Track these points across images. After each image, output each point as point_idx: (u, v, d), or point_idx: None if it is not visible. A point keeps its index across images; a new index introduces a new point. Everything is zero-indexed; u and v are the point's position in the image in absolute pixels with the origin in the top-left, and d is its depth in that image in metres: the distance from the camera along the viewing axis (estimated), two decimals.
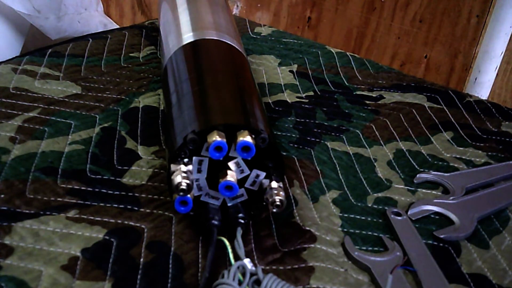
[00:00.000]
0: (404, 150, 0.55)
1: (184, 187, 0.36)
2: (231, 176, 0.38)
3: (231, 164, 0.39)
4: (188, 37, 0.51)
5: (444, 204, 0.46)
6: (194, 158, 0.39)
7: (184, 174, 0.37)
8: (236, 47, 0.51)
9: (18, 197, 0.43)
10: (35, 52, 0.67)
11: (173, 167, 0.38)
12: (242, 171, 0.39)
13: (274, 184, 0.39)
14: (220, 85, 0.44)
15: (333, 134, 0.56)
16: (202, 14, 0.56)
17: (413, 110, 0.62)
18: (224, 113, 0.40)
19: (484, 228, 0.45)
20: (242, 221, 0.40)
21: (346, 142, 0.55)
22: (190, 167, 0.38)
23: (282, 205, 0.38)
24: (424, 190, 0.49)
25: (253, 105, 0.43)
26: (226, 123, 0.38)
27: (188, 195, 0.38)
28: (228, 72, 0.47)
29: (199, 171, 0.39)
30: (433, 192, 0.49)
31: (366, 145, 0.55)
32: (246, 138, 0.37)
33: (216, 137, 0.37)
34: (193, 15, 0.55)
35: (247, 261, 0.36)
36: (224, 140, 0.37)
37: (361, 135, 0.57)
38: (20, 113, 0.53)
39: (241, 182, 0.40)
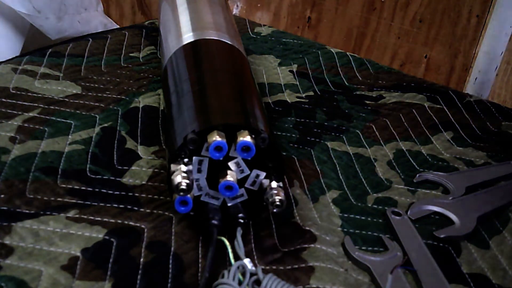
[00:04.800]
0: (404, 150, 0.55)
1: (184, 187, 0.36)
2: (231, 176, 0.38)
3: (231, 164, 0.39)
4: (188, 37, 0.50)
5: (444, 204, 0.46)
6: (194, 158, 0.39)
7: (184, 174, 0.37)
8: (236, 47, 0.51)
9: (18, 197, 0.43)
10: (35, 52, 0.67)
11: (173, 167, 0.38)
12: (242, 171, 0.39)
13: (274, 184, 0.39)
14: (220, 85, 0.44)
15: (333, 134, 0.56)
16: (202, 14, 0.56)
17: (413, 110, 0.62)
18: (224, 113, 0.40)
19: (484, 228, 0.45)
20: (242, 221, 0.40)
21: (346, 142, 0.55)
22: (190, 167, 0.38)
23: (282, 205, 0.38)
24: (424, 190, 0.49)
25: (253, 105, 0.43)
26: (226, 123, 0.38)
27: (188, 195, 0.38)
28: (228, 72, 0.46)
29: (199, 171, 0.39)
30: (433, 192, 0.49)
31: (366, 145, 0.55)
32: (246, 138, 0.37)
33: (216, 137, 0.37)
34: (193, 15, 0.55)
35: (247, 261, 0.36)
36: (224, 140, 0.37)
37: (361, 135, 0.57)
38: (20, 113, 0.53)
39: (241, 182, 0.40)
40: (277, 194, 0.38)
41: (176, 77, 0.47)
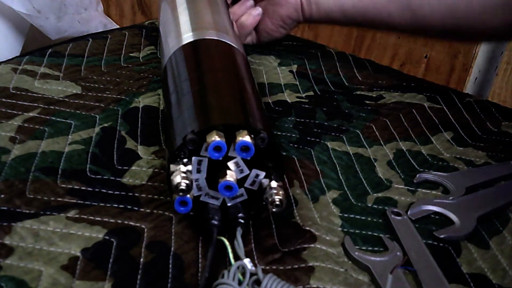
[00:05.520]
0: (404, 150, 0.55)
1: (183, 187, 0.36)
2: (231, 176, 0.38)
3: (230, 164, 0.39)
4: (187, 37, 0.50)
5: (444, 204, 0.46)
6: (193, 158, 0.39)
7: (183, 174, 0.37)
8: (236, 47, 0.51)
9: (18, 197, 0.43)
10: (35, 52, 0.67)
11: (172, 167, 0.38)
12: (241, 171, 0.39)
13: (273, 183, 0.39)
14: (220, 85, 0.44)
15: (333, 134, 0.56)
16: (202, 14, 0.56)
17: (413, 110, 0.62)
18: (224, 113, 0.40)
19: (484, 228, 0.45)
20: (242, 221, 0.40)
21: (346, 142, 0.55)
22: (189, 167, 0.38)
23: (282, 205, 0.38)
24: (424, 190, 0.49)
25: (252, 105, 0.43)
26: (225, 123, 0.38)
27: (188, 195, 0.38)
28: (228, 72, 0.46)
29: (198, 171, 0.39)
30: (433, 192, 0.49)
31: (366, 145, 0.55)
32: (245, 138, 0.37)
33: (215, 137, 0.37)
34: (192, 15, 0.55)
35: (247, 261, 0.36)
36: (223, 140, 0.37)
37: (361, 135, 0.57)
38: (20, 113, 0.53)
39: (240, 182, 0.40)
40: (277, 194, 0.38)
41: (176, 77, 0.47)
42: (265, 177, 0.40)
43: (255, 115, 0.41)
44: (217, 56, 0.49)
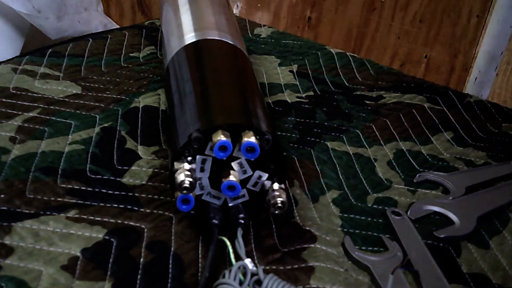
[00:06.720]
0: (404, 150, 0.55)
1: (187, 185, 0.36)
2: (234, 176, 0.38)
3: (234, 165, 0.39)
4: (190, 37, 0.50)
5: (444, 204, 0.46)
6: (198, 157, 0.38)
7: (187, 172, 0.37)
8: (238, 47, 0.51)
9: (18, 197, 0.43)
10: (35, 52, 0.67)
11: (176, 165, 0.38)
12: (245, 172, 0.39)
13: (276, 186, 0.39)
14: (224, 85, 0.44)
15: (333, 134, 0.56)
16: (204, 14, 0.56)
17: (413, 110, 0.62)
18: (229, 113, 0.40)
19: (484, 228, 0.45)
20: (243, 222, 0.40)
21: (346, 142, 0.55)
22: (193, 165, 0.38)
23: (284, 207, 0.38)
24: (424, 190, 0.49)
25: (257, 105, 0.43)
26: (232, 123, 0.38)
27: (190, 194, 0.37)
28: (231, 72, 0.46)
29: (202, 170, 0.39)
30: (433, 192, 0.49)
31: (366, 145, 0.55)
32: (251, 139, 0.37)
33: (221, 137, 0.37)
34: (195, 15, 0.55)
35: (248, 261, 0.36)
36: (229, 140, 0.37)
37: (361, 135, 0.57)
38: (20, 113, 0.53)
39: (243, 182, 0.40)
40: (279, 196, 0.38)
41: (179, 77, 0.47)
42: (268, 179, 0.40)
43: (260, 116, 0.41)
44: (219, 56, 0.49)
